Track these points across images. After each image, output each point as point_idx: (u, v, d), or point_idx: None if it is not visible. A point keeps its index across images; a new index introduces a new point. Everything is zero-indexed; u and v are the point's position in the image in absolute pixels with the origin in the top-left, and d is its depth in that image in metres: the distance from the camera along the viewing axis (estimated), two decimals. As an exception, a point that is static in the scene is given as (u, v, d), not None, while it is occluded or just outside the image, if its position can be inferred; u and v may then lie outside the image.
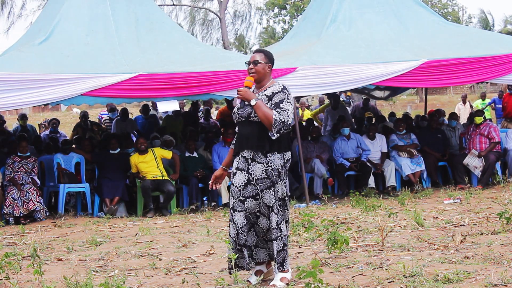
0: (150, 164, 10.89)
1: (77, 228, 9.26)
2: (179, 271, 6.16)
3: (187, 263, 6.54)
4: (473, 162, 11.71)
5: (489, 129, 11.91)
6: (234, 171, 5.34)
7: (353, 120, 14.71)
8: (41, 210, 10.14)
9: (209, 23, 34.53)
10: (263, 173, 5.23)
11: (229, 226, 5.36)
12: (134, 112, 21.13)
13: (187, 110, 16.51)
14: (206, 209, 10.60)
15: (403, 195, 10.41)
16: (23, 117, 14.95)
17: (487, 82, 17.07)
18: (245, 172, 5.27)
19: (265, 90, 5.38)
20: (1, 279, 5.80)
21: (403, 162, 11.91)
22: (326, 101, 17.57)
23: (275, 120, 5.18)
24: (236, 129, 5.49)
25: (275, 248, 5.26)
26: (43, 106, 26.48)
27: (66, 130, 19.08)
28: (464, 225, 7.80)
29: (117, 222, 9.78)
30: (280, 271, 5.31)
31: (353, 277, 5.47)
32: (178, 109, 13.03)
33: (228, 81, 10.43)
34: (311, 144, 12.18)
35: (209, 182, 5.59)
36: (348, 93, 22.00)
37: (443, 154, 12.35)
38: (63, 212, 10.53)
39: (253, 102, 5.27)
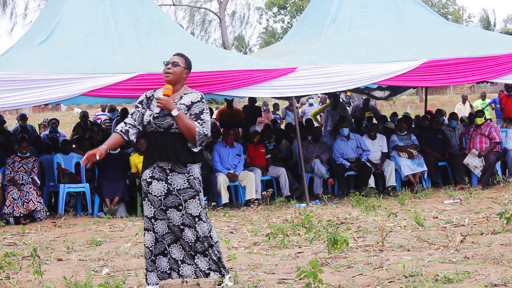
0: (150, 164, 10.87)
1: (77, 228, 9.26)
2: (179, 271, 6.15)
3: (187, 263, 6.53)
4: (473, 162, 11.71)
5: (489, 129, 11.90)
6: (149, 179, 5.09)
7: (353, 120, 14.71)
8: (41, 210, 10.14)
9: (208, 23, 34.56)
10: (185, 183, 5.06)
11: (144, 235, 5.16)
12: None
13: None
14: (206, 209, 10.58)
15: (403, 195, 10.41)
16: (23, 117, 14.96)
17: (487, 82, 17.06)
18: (164, 182, 5.06)
19: (181, 98, 5.16)
20: (1, 279, 5.80)
21: (402, 162, 11.91)
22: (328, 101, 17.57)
23: (199, 133, 4.99)
24: (149, 138, 5.18)
25: (213, 256, 5.16)
26: (43, 106, 26.49)
27: (66, 130, 19.09)
28: (464, 225, 7.80)
29: (117, 222, 9.78)
30: (222, 276, 5.23)
31: (353, 277, 5.47)
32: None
33: (228, 81, 10.43)
34: (311, 144, 12.18)
35: (85, 158, 4.95)
36: (348, 93, 21.97)
37: (443, 154, 12.35)
38: (63, 212, 10.53)
39: (174, 113, 4.99)
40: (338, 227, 7.87)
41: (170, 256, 5.19)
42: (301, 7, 35.69)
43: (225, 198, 10.97)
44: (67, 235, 8.69)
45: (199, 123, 5.04)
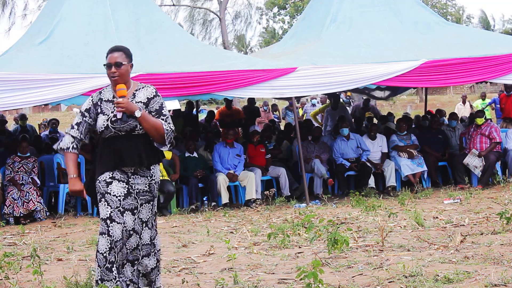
0: (150, 164, 10.85)
1: (77, 228, 9.26)
2: (179, 271, 6.17)
3: (187, 263, 6.54)
4: (473, 162, 11.70)
5: (490, 129, 11.90)
6: (109, 180, 4.76)
7: (353, 120, 14.71)
8: (41, 210, 10.14)
9: (208, 23, 34.56)
10: (146, 187, 4.78)
11: (99, 240, 4.70)
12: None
13: (184, 110, 16.49)
14: (206, 209, 10.61)
15: (403, 195, 10.41)
16: (22, 118, 14.97)
17: (487, 82, 17.07)
18: (124, 183, 4.74)
19: (134, 96, 4.77)
20: (1, 279, 5.80)
21: (402, 162, 11.90)
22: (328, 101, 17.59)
23: (167, 130, 4.68)
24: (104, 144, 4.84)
25: (149, 265, 4.85)
26: (43, 106, 26.49)
27: (66, 130, 19.04)
28: (464, 225, 7.81)
29: (117, 222, 9.77)
30: None
31: (353, 277, 5.48)
32: (179, 107, 13.03)
33: (228, 81, 10.43)
34: (312, 144, 12.18)
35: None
36: (348, 93, 21.99)
37: (443, 154, 12.34)
38: (63, 212, 10.53)
39: (138, 114, 4.62)
40: (338, 227, 7.87)
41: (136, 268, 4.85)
42: (301, 8, 35.68)
43: (225, 198, 10.97)
44: (67, 235, 8.69)
45: (162, 119, 4.71)
